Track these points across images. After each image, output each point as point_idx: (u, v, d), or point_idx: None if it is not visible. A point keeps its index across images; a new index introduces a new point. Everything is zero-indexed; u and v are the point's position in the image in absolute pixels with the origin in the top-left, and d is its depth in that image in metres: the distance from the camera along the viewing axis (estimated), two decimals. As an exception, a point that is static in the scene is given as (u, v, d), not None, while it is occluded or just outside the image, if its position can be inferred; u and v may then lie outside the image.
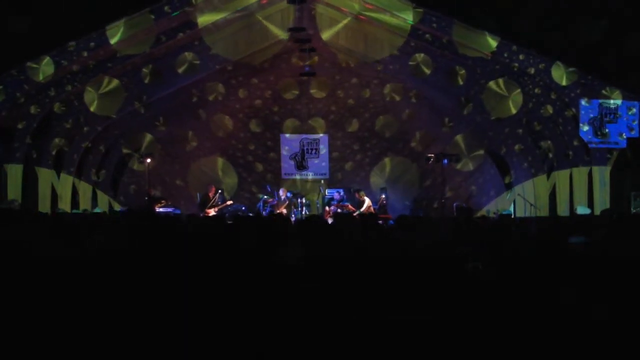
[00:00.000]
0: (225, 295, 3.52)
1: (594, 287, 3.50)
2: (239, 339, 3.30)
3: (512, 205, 16.10)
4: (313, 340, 3.30)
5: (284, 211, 15.28)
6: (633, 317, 3.31)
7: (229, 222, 7.07)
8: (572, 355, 3.24)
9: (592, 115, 14.33)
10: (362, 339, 3.33)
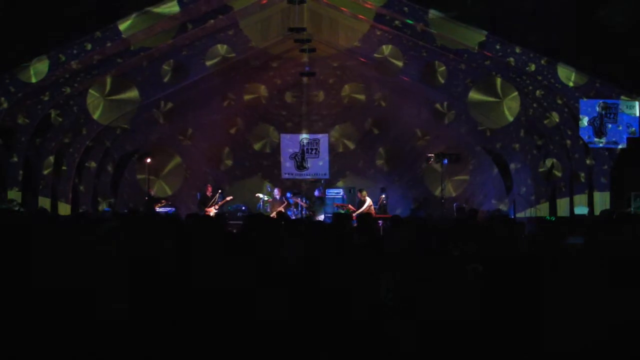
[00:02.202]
0: (224, 293, 3.52)
1: (594, 287, 3.50)
2: (239, 337, 3.30)
3: (512, 206, 16.03)
4: (311, 338, 3.30)
5: (282, 211, 15.25)
6: (633, 316, 3.31)
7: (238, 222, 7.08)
8: (573, 355, 3.24)
9: (592, 115, 14.10)
10: (361, 338, 3.33)
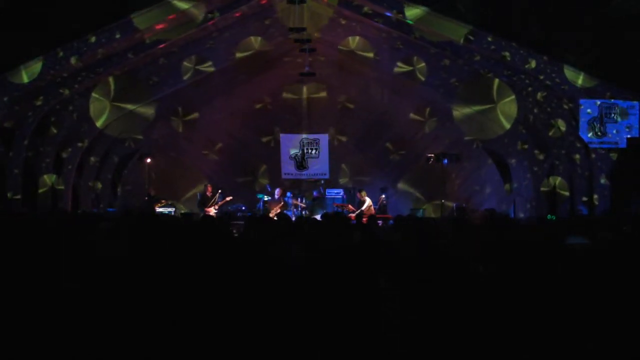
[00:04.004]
0: (224, 292, 3.51)
1: (594, 287, 3.49)
2: (239, 337, 3.30)
3: (512, 206, 15.98)
4: (311, 338, 3.30)
5: (278, 211, 15.24)
6: (633, 316, 3.30)
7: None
8: (572, 355, 3.23)
9: (592, 115, 13.94)
10: (360, 338, 3.32)
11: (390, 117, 17.10)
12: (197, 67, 14.12)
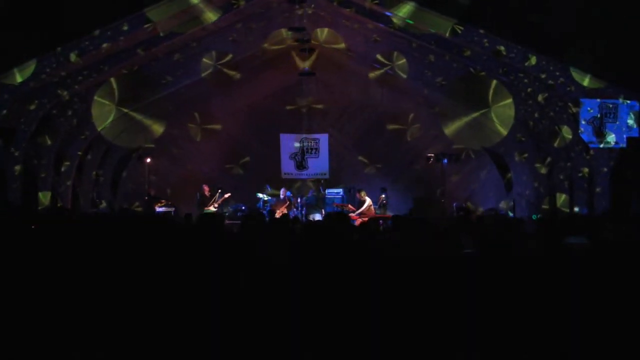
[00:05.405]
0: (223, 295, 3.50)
1: (594, 287, 3.49)
2: (236, 337, 3.29)
3: (512, 205, 15.94)
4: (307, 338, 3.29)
5: (284, 211, 15.26)
6: (633, 316, 3.30)
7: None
8: (573, 354, 3.23)
9: (592, 115, 13.88)
10: (359, 338, 3.32)
11: (391, 117, 17.09)
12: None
